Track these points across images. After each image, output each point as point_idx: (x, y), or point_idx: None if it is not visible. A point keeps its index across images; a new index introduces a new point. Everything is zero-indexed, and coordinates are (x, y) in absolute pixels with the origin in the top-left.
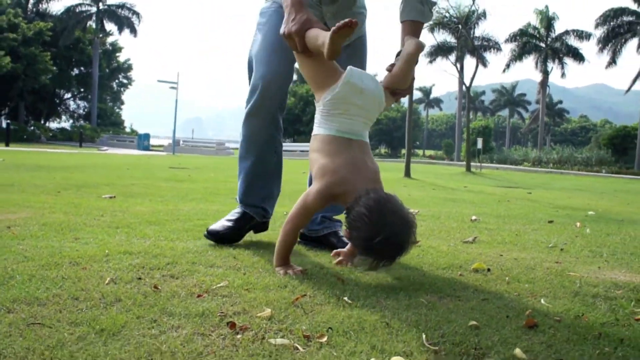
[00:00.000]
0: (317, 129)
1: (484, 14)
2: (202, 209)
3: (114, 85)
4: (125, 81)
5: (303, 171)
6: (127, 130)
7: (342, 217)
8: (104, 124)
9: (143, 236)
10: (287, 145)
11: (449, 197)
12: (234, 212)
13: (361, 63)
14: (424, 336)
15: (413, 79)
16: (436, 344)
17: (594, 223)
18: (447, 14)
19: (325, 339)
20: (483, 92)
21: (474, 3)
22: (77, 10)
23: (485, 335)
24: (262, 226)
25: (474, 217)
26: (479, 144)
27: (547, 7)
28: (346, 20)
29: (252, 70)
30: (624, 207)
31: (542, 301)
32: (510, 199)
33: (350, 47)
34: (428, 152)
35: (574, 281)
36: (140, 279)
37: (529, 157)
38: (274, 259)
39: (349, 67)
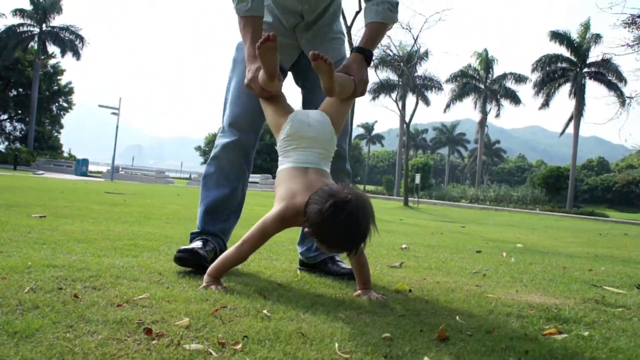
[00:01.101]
0: (279, 166)
1: (426, 54)
2: (134, 231)
3: (54, 109)
4: (65, 105)
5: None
6: (65, 155)
7: None
8: (41, 147)
9: (69, 252)
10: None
11: (383, 228)
12: (197, 240)
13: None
14: (336, 345)
15: (365, 82)
16: (348, 352)
17: (519, 254)
18: (390, 52)
19: (239, 346)
20: (425, 130)
21: (415, 42)
22: (19, 30)
23: (397, 346)
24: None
25: (404, 246)
26: (417, 179)
27: (486, 50)
28: (265, 35)
29: (225, 105)
30: (552, 241)
31: (457, 318)
32: (444, 232)
33: None
34: (369, 187)
35: (491, 302)
36: (61, 289)
37: (467, 195)
38: (209, 268)
39: (294, 109)
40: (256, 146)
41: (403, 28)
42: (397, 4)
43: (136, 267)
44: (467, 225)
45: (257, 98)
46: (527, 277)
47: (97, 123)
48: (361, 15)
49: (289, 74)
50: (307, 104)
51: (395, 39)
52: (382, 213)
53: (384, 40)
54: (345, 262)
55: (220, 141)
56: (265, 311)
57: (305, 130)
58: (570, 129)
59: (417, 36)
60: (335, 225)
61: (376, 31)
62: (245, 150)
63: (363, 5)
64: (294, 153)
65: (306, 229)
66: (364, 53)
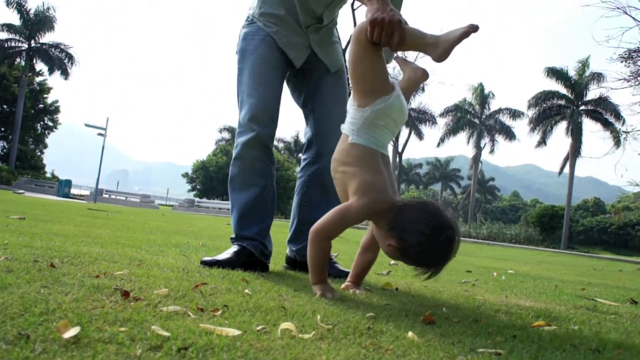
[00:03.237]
0: (356, 137)
1: (421, 87)
2: (116, 234)
3: (38, 127)
4: (50, 124)
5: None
6: (48, 175)
7: None
8: (23, 167)
9: (49, 240)
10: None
11: None
12: (230, 250)
13: (345, 89)
14: (318, 317)
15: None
16: (330, 324)
17: (510, 276)
18: None
19: (219, 312)
20: (420, 165)
21: None
22: (6, 46)
23: (380, 323)
24: (262, 265)
25: (392, 262)
26: None
27: (482, 84)
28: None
29: (241, 99)
30: (544, 272)
31: (444, 309)
32: None
33: (334, 76)
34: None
35: (479, 301)
36: (37, 261)
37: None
38: (310, 277)
39: (396, 84)
40: (274, 136)
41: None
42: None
43: (116, 255)
44: (459, 256)
45: (274, 87)
46: (517, 289)
47: (82, 145)
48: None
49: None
50: (308, 102)
51: (389, 67)
52: None
53: None
54: (339, 263)
55: (240, 139)
56: (247, 290)
57: (398, 113)
58: (566, 168)
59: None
60: (432, 250)
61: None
62: (266, 144)
63: None
64: (379, 131)
65: (389, 243)
66: None
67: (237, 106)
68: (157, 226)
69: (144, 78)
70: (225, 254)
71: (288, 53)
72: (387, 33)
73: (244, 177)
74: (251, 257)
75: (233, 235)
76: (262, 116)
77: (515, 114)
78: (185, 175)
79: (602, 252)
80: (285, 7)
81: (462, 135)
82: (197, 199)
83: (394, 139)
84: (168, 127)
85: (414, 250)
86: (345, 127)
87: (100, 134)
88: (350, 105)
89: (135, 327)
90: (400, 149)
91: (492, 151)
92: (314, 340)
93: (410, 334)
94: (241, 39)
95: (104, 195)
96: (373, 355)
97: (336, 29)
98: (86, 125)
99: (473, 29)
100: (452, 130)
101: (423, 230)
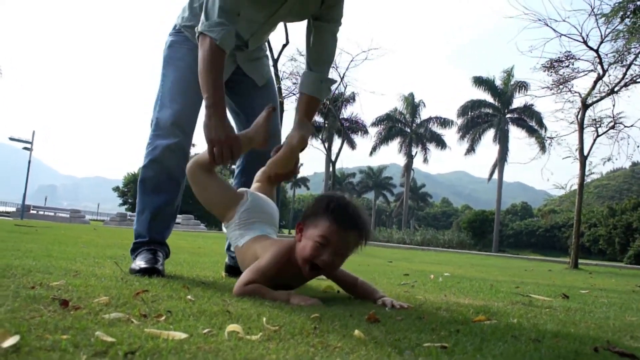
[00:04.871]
0: (243, 238)
1: (352, 97)
2: (47, 248)
3: None
4: None
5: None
6: None
7: None
8: None
9: None
10: None
11: None
12: (145, 255)
13: (275, 101)
14: (264, 319)
15: (297, 163)
16: (277, 326)
17: (447, 278)
18: None
19: (163, 318)
20: (353, 174)
21: (342, 80)
22: None
23: (326, 323)
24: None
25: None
26: None
27: (412, 94)
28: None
29: (161, 102)
30: (479, 274)
31: (387, 309)
32: (370, 264)
33: (263, 89)
34: (294, 232)
35: (420, 300)
36: None
37: (393, 238)
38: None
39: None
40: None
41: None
42: (333, 82)
43: (51, 267)
44: (395, 261)
45: (198, 97)
46: (455, 289)
47: (5, 162)
48: (288, 48)
49: None
50: (240, 113)
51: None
52: None
53: None
54: None
55: (161, 142)
56: (189, 297)
57: (264, 205)
58: (495, 174)
59: (344, 75)
60: (345, 212)
61: (313, 106)
62: (185, 153)
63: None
64: (257, 225)
65: (314, 238)
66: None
67: (154, 107)
68: (89, 240)
69: (70, 91)
70: (145, 262)
71: None
72: (227, 150)
73: (159, 181)
74: (161, 263)
75: (140, 240)
76: (185, 124)
77: (445, 123)
78: (117, 189)
79: (532, 253)
80: None
81: (394, 144)
82: (129, 213)
83: (276, 228)
84: (97, 141)
85: (330, 221)
86: (232, 243)
87: (26, 148)
88: (224, 227)
89: (77, 335)
90: (333, 158)
91: (425, 160)
92: (261, 341)
93: (356, 332)
94: (167, 46)
95: (32, 212)
96: (322, 353)
97: (266, 44)
98: (11, 139)
99: (272, 108)
100: (384, 139)
101: (319, 205)
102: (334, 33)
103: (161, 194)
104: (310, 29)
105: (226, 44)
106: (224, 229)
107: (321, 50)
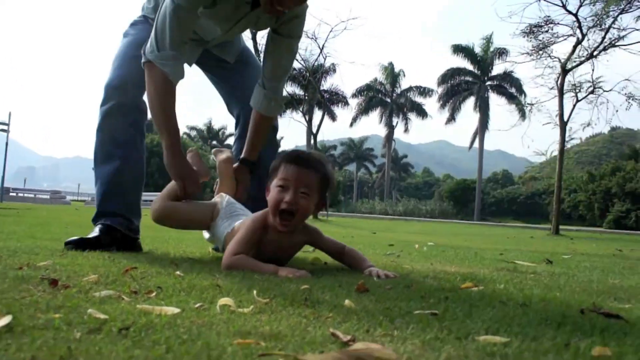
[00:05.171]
0: (233, 224)
1: (333, 68)
2: (31, 230)
3: None
4: None
5: None
6: None
7: None
8: None
9: None
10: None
11: None
12: (95, 229)
13: (257, 68)
14: (254, 292)
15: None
16: (267, 298)
17: (432, 247)
18: (294, 68)
19: (154, 294)
20: (334, 147)
21: (321, 52)
22: None
23: (316, 294)
24: (132, 243)
25: None
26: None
27: (392, 63)
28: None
29: (110, 70)
30: (462, 243)
31: (376, 278)
32: (355, 236)
33: (240, 62)
34: None
35: (407, 269)
36: None
37: (376, 210)
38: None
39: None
40: (146, 118)
41: (309, 37)
42: (283, 99)
43: (36, 247)
44: (378, 232)
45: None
46: (440, 257)
47: None
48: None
49: None
50: (224, 84)
51: (301, 47)
52: None
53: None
54: None
55: (101, 110)
56: (178, 272)
57: (239, 204)
58: (476, 143)
59: (323, 46)
60: (296, 155)
61: (259, 137)
62: (129, 113)
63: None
64: (243, 213)
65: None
66: (248, 165)
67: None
68: (72, 220)
69: (46, 70)
70: (92, 234)
71: None
72: (194, 182)
73: (104, 149)
74: (115, 233)
75: (96, 212)
76: (124, 84)
77: (425, 92)
78: None
79: (513, 221)
80: None
81: (375, 115)
82: None
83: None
84: (75, 120)
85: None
86: (222, 233)
87: (2, 130)
88: (208, 232)
89: (70, 313)
90: (314, 131)
91: (406, 130)
92: (254, 314)
93: (347, 301)
94: (129, 26)
95: (11, 194)
96: (314, 323)
97: None
98: None
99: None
100: (365, 110)
101: (275, 161)
102: (290, 48)
103: (109, 162)
104: (269, 39)
105: (178, 77)
106: (205, 235)
107: (276, 64)
